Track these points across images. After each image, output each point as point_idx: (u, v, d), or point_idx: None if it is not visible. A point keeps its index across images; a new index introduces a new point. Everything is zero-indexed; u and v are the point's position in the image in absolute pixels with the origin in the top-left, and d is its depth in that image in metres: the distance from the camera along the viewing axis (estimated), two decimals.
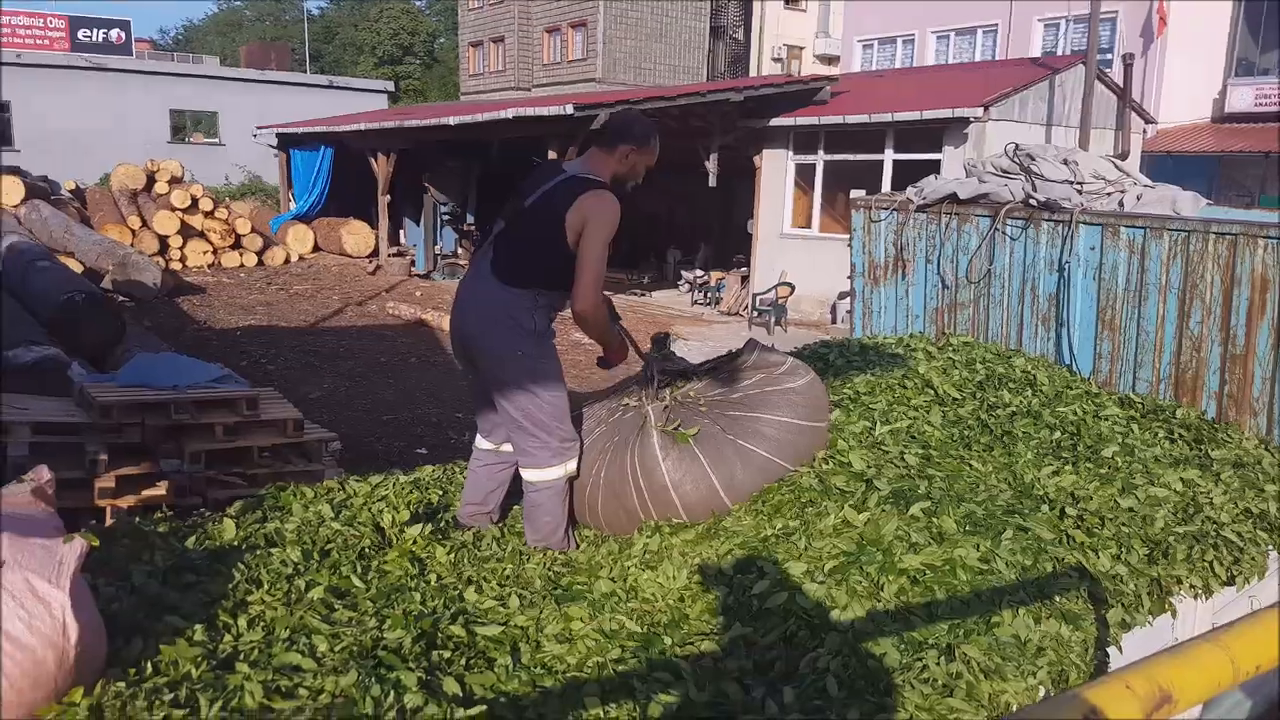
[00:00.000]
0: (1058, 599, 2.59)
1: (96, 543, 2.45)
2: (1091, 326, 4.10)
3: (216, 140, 25.20)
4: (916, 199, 4.62)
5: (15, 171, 16.07)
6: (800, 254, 13.96)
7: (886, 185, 12.48)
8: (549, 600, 2.79)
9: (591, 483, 3.26)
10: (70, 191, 17.72)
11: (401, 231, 20.21)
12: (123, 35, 26.64)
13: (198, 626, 2.37)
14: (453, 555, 3.08)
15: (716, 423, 3.21)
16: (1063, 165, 4.26)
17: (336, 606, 2.62)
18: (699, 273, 17.05)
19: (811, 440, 3.26)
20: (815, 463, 3.22)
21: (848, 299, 13.02)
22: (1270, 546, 3.06)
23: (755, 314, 14.06)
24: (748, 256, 15.90)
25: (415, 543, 3.10)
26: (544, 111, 12.07)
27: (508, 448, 3.32)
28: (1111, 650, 2.62)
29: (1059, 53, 19.72)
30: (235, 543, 3.00)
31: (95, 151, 21.66)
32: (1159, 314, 3.86)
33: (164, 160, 18.58)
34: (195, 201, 16.93)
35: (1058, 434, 3.54)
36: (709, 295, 16.15)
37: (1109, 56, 17.93)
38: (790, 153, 14.11)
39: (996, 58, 20.66)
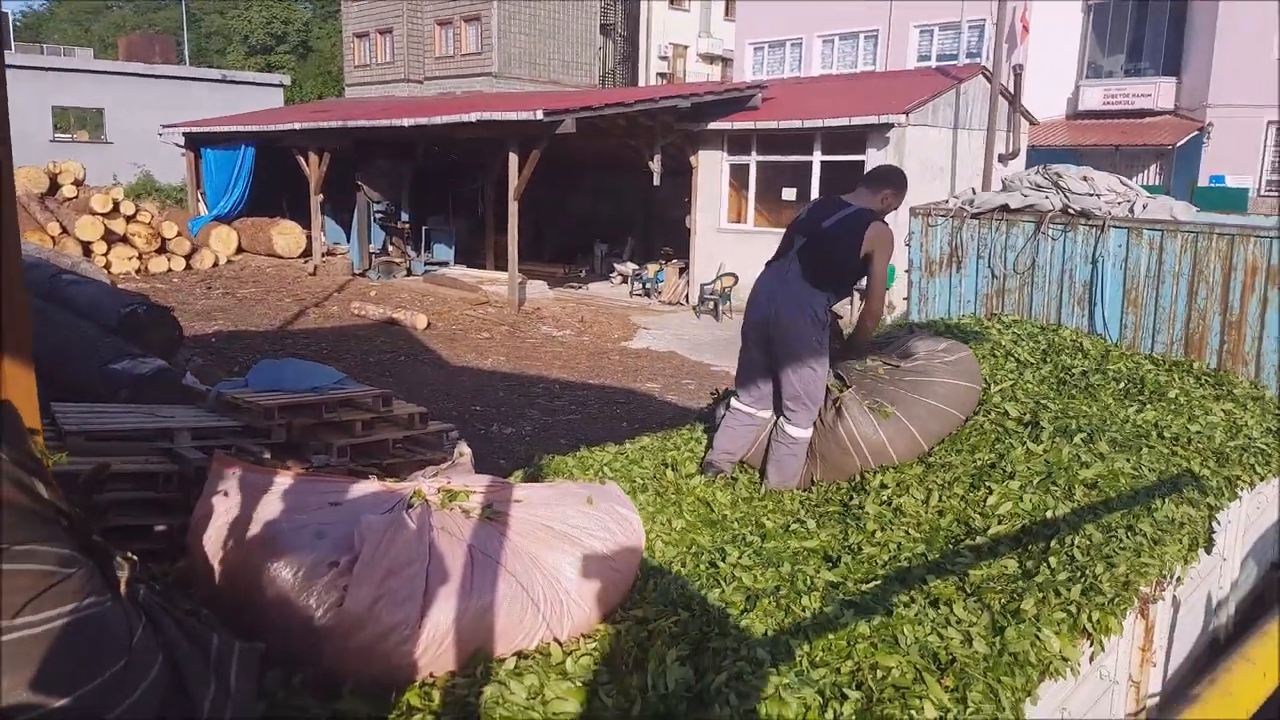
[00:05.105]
0: (1185, 492, 3.80)
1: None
2: (1119, 304, 5.42)
3: (102, 139, 24.03)
4: (970, 209, 5.83)
5: None
6: (737, 246, 15.24)
7: (815, 185, 13.88)
8: (829, 521, 3.77)
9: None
10: None
11: (321, 231, 20.16)
12: None
13: None
14: (728, 496, 4.02)
15: (899, 386, 4.27)
16: (1084, 181, 5.57)
17: (700, 528, 3.54)
18: (633, 265, 17.92)
19: (971, 397, 4.37)
20: (980, 414, 4.34)
21: None
22: None
23: (700, 303, 15.21)
24: (676, 248, 17.00)
25: (700, 489, 4.03)
26: (512, 116, 12.68)
27: (765, 413, 4.26)
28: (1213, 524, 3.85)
29: (932, 56, 21.78)
30: None
31: None
32: (1173, 293, 5.22)
33: (65, 161, 17.88)
34: (117, 205, 16.50)
35: (1123, 383, 4.82)
36: (646, 286, 17.08)
37: (979, 59, 20.06)
38: (725, 154, 15.33)
39: (877, 62, 22.55)
